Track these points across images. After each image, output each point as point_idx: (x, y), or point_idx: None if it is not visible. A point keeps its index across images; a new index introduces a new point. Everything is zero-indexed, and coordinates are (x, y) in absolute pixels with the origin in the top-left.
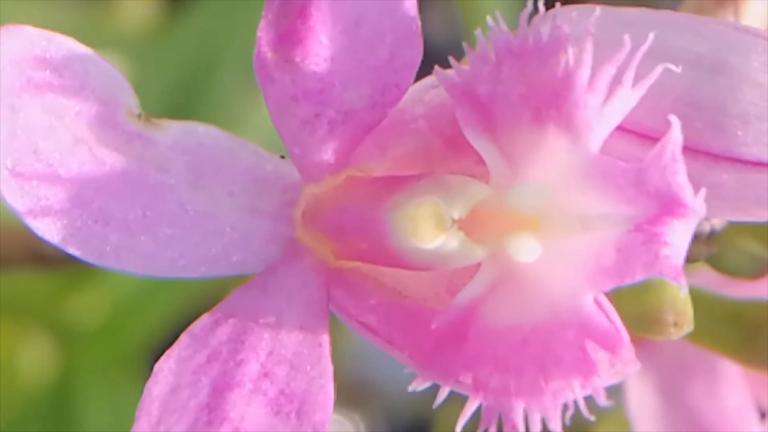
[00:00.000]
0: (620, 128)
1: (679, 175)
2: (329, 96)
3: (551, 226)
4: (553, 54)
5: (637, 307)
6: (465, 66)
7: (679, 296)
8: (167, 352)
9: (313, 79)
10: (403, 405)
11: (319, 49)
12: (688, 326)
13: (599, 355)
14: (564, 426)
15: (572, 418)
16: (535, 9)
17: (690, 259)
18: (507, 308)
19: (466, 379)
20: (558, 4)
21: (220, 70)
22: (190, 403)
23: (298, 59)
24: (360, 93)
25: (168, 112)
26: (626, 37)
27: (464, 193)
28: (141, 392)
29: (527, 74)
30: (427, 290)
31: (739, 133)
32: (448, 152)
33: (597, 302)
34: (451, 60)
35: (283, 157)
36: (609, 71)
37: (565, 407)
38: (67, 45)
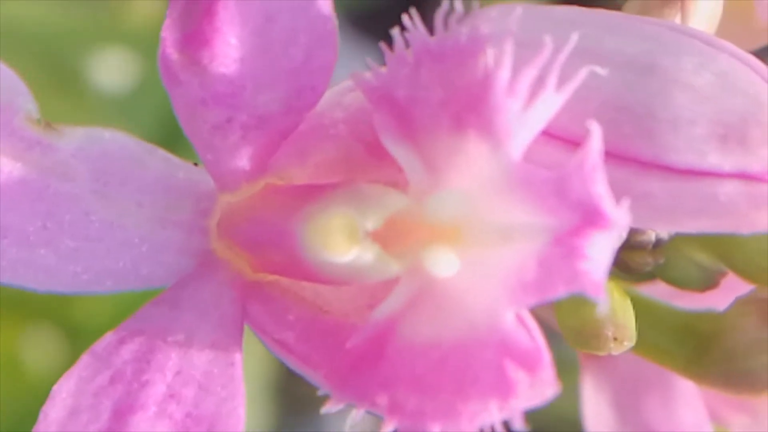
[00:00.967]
0: (547, 134)
1: (599, 185)
2: (240, 99)
3: (470, 238)
4: (472, 56)
5: (576, 321)
6: (383, 68)
7: (620, 310)
8: (66, 373)
9: (222, 81)
10: None
11: (228, 51)
12: (629, 341)
13: (518, 376)
14: None
15: None
16: (452, 8)
17: (636, 269)
18: (425, 325)
19: (382, 400)
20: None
21: None
22: (90, 428)
23: (205, 61)
24: (274, 96)
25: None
26: (548, 38)
27: (380, 203)
28: None
29: (446, 77)
30: (349, 305)
31: (669, 139)
32: (370, 159)
33: (519, 318)
34: (369, 63)
35: (196, 164)
36: (530, 74)
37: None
38: None
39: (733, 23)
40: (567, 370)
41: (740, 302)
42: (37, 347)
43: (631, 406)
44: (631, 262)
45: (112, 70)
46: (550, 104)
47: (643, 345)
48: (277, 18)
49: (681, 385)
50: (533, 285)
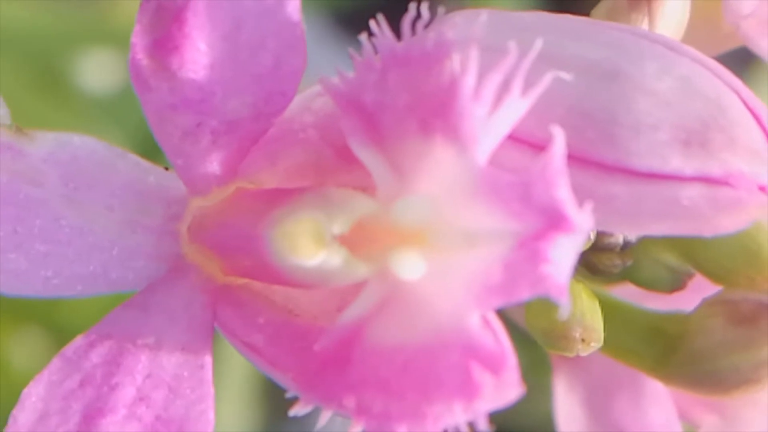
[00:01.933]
0: (513, 138)
1: (562, 190)
2: (210, 105)
3: (437, 242)
4: (438, 61)
5: (545, 323)
6: (351, 73)
7: (588, 311)
8: (36, 377)
9: (192, 87)
10: None
11: (197, 56)
12: (597, 342)
13: (483, 378)
14: None
15: None
16: (418, 14)
17: (604, 271)
18: (392, 328)
19: (349, 402)
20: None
21: None
22: (59, 431)
23: (175, 67)
24: (243, 101)
25: None
26: (512, 44)
27: (347, 207)
28: None
29: (413, 83)
30: (318, 308)
31: (632, 143)
32: (339, 163)
33: (485, 321)
34: (336, 68)
35: (167, 168)
36: (495, 79)
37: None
38: None
39: (700, 28)
40: (541, 370)
41: (707, 303)
42: (23, 349)
43: (602, 406)
44: (600, 263)
45: (99, 71)
46: (516, 109)
47: (611, 346)
48: (246, 24)
49: (651, 385)
50: (498, 288)
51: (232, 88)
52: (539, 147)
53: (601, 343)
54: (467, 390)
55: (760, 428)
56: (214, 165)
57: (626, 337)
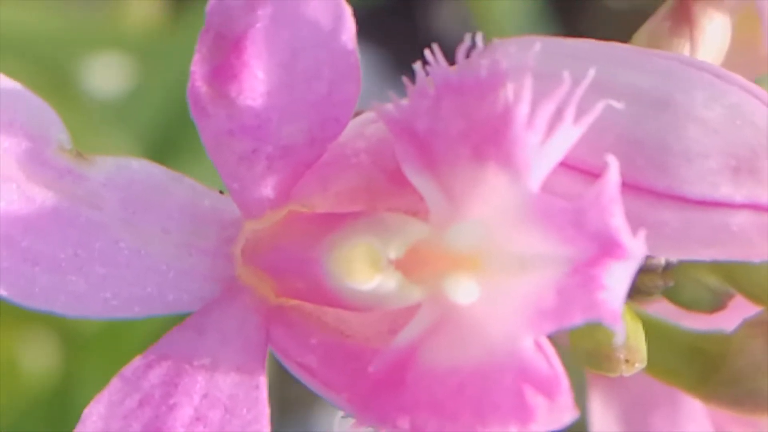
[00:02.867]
0: (564, 165)
1: (617, 217)
2: (267, 131)
3: (490, 267)
4: (492, 90)
5: (589, 343)
6: (405, 100)
7: (631, 333)
8: (96, 397)
9: (249, 114)
10: None
11: (255, 84)
12: (641, 363)
13: (537, 401)
14: None
15: None
16: (474, 43)
17: (646, 291)
18: (446, 351)
19: (404, 423)
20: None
21: None
22: None
23: (233, 94)
24: (298, 128)
25: (171, 114)
26: (566, 74)
27: (402, 232)
28: None
29: (466, 110)
30: (370, 330)
31: (682, 171)
32: (391, 187)
33: (537, 345)
34: (390, 95)
35: (222, 192)
36: (549, 108)
37: None
38: None
39: (738, 51)
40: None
41: (748, 324)
42: (33, 350)
43: (638, 422)
44: (642, 285)
45: (107, 75)
46: (568, 137)
47: (652, 365)
48: (302, 53)
49: (688, 402)
50: (551, 313)
51: (288, 115)
52: (589, 173)
53: (644, 364)
54: (522, 413)
55: None
56: (268, 189)
57: (667, 357)
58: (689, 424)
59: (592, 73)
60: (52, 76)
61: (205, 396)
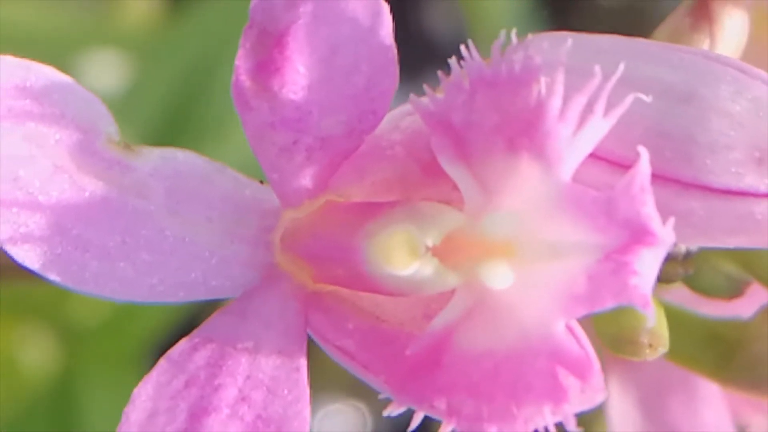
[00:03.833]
0: (593, 156)
1: (647, 206)
2: (307, 123)
3: (524, 254)
4: (526, 84)
5: (613, 328)
6: (440, 94)
7: (655, 318)
8: (145, 378)
9: (290, 107)
10: None
11: (297, 78)
12: (663, 347)
13: (570, 382)
14: None
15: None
16: (508, 38)
17: (666, 279)
18: (481, 335)
19: (440, 404)
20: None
21: (221, 68)
22: (168, 429)
23: (276, 88)
24: (337, 120)
25: (169, 111)
26: (597, 68)
27: (438, 220)
28: None
29: (500, 104)
30: (405, 315)
31: (708, 162)
32: (425, 178)
33: (569, 328)
34: (426, 88)
35: (262, 182)
36: (580, 101)
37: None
38: (47, 74)
39: (754, 47)
40: None
41: (765, 311)
42: (32, 347)
43: (656, 406)
44: (663, 272)
45: (104, 72)
46: (598, 129)
47: (671, 351)
48: (342, 48)
49: (704, 386)
50: (583, 298)
51: (327, 108)
52: (618, 164)
53: (666, 348)
54: (555, 394)
55: None
56: (306, 179)
57: (686, 343)
58: (706, 409)
59: (621, 67)
60: None
61: (248, 377)
